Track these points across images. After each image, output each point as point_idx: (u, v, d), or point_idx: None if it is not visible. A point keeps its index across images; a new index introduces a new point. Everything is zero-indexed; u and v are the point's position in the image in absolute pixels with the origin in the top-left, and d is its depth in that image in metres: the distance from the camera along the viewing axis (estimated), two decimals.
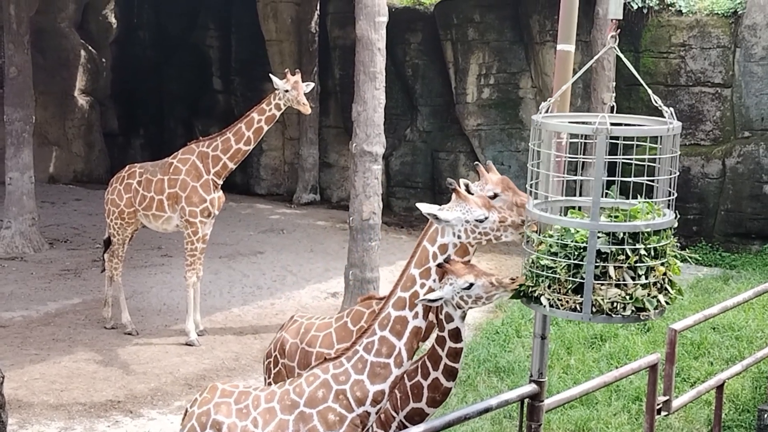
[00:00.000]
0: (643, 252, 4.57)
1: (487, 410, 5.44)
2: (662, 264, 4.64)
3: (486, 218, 5.10)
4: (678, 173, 4.81)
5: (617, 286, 4.60)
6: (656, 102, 4.95)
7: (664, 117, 4.84)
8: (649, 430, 6.39)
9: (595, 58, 5.62)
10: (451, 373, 5.50)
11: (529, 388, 5.50)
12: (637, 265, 4.57)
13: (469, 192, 5.74)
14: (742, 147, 15.39)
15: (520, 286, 4.91)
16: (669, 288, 4.72)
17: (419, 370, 5.58)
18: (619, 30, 5.28)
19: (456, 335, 5.36)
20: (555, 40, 6.32)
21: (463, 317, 5.31)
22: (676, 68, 15.88)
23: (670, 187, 4.78)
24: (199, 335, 11.42)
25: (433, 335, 5.56)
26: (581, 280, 4.59)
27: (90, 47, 22.24)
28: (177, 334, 11.54)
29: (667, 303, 4.70)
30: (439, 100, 18.74)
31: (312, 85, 11.41)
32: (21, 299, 12.78)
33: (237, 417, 5.37)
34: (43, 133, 20.80)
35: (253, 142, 11.07)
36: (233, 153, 11.03)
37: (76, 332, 11.57)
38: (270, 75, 11.41)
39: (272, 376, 6.48)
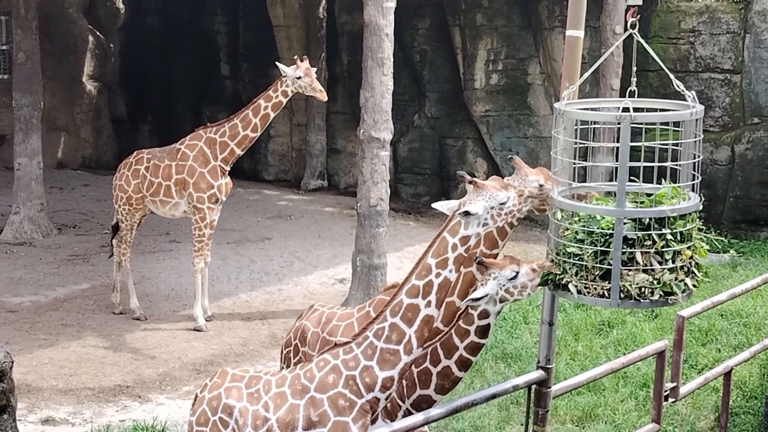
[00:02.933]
0: (669, 237, 4.56)
1: (494, 396, 5.45)
2: (688, 248, 4.63)
3: (507, 198, 5.11)
4: (701, 157, 4.79)
5: (644, 271, 4.59)
6: (678, 87, 4.94)
7: (685, 101, 4.84)
8: (657, 416, 6.39)
9: (616, 44, 5.64)
10: (465, 365, 5.48)
11: (537, 374, 5.50)
12: (664, 249, 4.57)
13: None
14: (751, 133, 15.33)
15: (548, 273, 4.93)
16: (696, 271, 4.72)
17: (428, 356, 5.56)
18: (638, 16, 5.26)
19: (484, 331, 5.33)
20: (564, 25, 6.30)
21: (498, 313, 5.30)
22: (685, 54, 15.81)
23: (694, 171, 4.76)
24: (207, 321, 11.45)
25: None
26: (608, 267, 4.59)
27: (98, 33, 22.24)
28: (185, 320, 11.57)
29: (694, 286, 4.70)
30: (447, 86, 18.68)
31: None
32: (30, 284, 12.82)
33: (248, 401, 5.39)
34: (52, 118, 20.81)
35: (260, 129, 11.07)
36: (240, 139, 11.03)
37: (85, 317, 11.62)
38: (277, 63, 11.39)
39: (292, 365, 6.41)
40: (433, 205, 5.41)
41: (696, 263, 4.72)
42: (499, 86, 17.86)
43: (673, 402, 6.78)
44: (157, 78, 22.67)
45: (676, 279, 4.62)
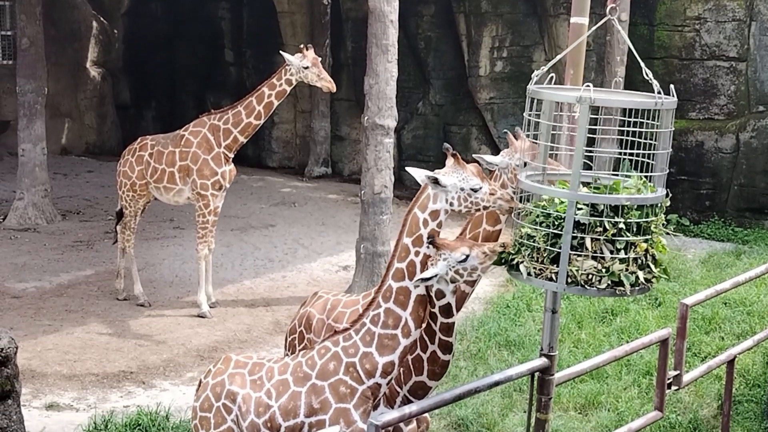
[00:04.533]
0: (622, 226, 4.53)
1: (497, 383, 5.45)
2: (645, 241, 4.58)
3: (480, 188, 5.10)
4: (670, 151, 4.74)
5: (594, 258, 4.57)
6: (647, 75, 4.89)
7: (656, 92, 4.80)
8: (660, 404, 6.39)
9: (589, 32, 5.60)
10: (446, 347, 5.51)
11: (540, 361, 5.50)
12: (615, 239, 4.54)
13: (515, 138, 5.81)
14: (756, 121, 15.28)
15: (502, 253, 4.94)
16: (651, 265, 4.64)
17: (418, 343, 5.59)
18: (619, 2, 5.22)
19: (447, 311, 5.35)
20: (569, 12, 6.30)
21: (454, 292, 5.30)
22: (690, 42, 15.76)
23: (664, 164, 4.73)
24: (211, 307, 11.47)
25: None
26: (559, 250, 4.59)
27: (102, 19, 22.22)
28: (189, 306, 11.59)
29: (647, 281, 4.62)
30: (452, 74, 18.65)
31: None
32: (34, 270, 12.85)
33: (251, 388, 5.41)
34: (56, 104, 20.81)
35: (263, 117, 11.05)
36: (244, 127, 11.02)
37: (89, 303, 11.64)
38: (281, 52, 11.35)
39: (297, 351, 6.42)
40: (408, 169, 5.42)
41: (654, 258, 4.65)
42: (503, 73, 17.82)
43: (676, 390, 6.78)
44: (161, 64, 22.65)
45: (626, 270, 4.57)
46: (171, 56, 22.66)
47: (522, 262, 4.78)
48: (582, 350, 9.72)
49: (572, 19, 5.49)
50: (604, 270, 4.56)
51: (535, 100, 4.81)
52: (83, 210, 16.43)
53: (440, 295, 5.28)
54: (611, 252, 4.56)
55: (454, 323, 5.45)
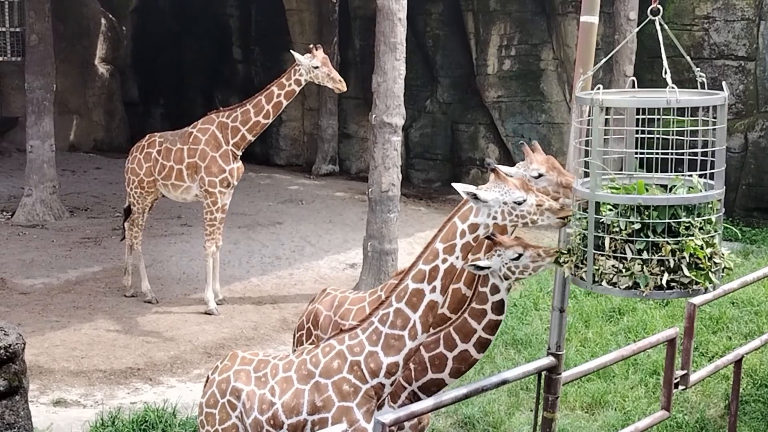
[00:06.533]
0: (637, 226, 4.52)
1: (504, 382, 5.44)
2: (676, 243, 4.53)
3: (524, 201, 5.03)
4: (716, 148, 4.64)
5: (616, 258, 4.57)
6: (699, 75, 4.89)
7: (703, 89, 4.81)
8: (666, 403, 6.38)
9: (635, 30, 5.58)
10: (483, 345, 5.48)
11: (547, 360, 5.49)
12: (634, 239, 4.53)
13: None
14: (765, 121, 15.24)
15: (560, 254, 4.99)
16: (684, 269, 4.55)
17: (441, 342, 5.54)
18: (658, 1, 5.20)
19: (500, 307, 5.35)
20: (578, 11, 6.27)
21: (508, 289, 5.32)
22: (699, 41, 15.72)
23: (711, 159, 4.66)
24: (218, 304, 11.48)
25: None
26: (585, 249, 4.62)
27: (110, 16, 22.26)
28: (196, 303, 11.61)
29: (682, 285, 4.54)
30: (460, 72, 18.63)
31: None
32: (42, 267, 12.88)
33: (255, 385, 5.41)
34: (64, 101, 20.86)
35: (272, 116, 11.05)
36: (252, 125, 11.03)
37: (97, 300, 11.66)
38: (291, 51, 11.35)
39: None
40: (453, 185, 5.39)
41: (695, 263, 4.55)
42: (511, 72, 17.80)
43: (683, 389, 6.76)
44: (169, 61, 22.68)
45: (649, 272, 4.54)
46: (179, 53, 22.69)
47: (565, 263, 4.86)
48: (589, 349, 9.70)
49: (582, 18, 5.45)
50: (624, 270, 4.55)
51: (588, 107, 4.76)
52: (91, 207, 16.47)
53: (494, 290, 5.30)
54: (633, 252, 4.54)
55: (500, 322, 5.45)
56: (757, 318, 10.26)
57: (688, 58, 5.11)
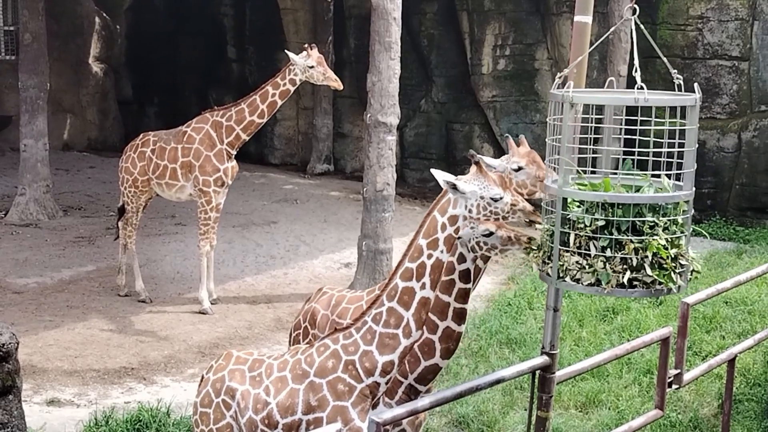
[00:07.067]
0: (600, 223, 4.52)
1: (498, 381, 5.45)
2: (640, 241, 4.53)
3: (501, 198, 5.09)
4: (686, 149, 4.66)
5: (580, 254, 4.58)
6: (675, 76, 4.88)
7: (682, 89, 4.80)
8: (660, 402, 6.39)
9: (612, 29, 5.58)
10: (461, 316, 5.51)
11: (541, 359, 5.50)
12: (598, 236, 4.53)
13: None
14: (758, 121, 15.28)
15: (528, 246, 4.99)
16: (647, 268, 4.51)
17: (425, 328, 5.56)
18: (635, 1, 5.20)
19: (467, 276, 5.37)
20: (572, 11, 6.28)
21: (474, 260, 5.33)
22: (693, 41, 15.75)
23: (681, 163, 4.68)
24: (212, 304, 11.48)
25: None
26: (559, 246, 4.63)
27: (104, 14, 22.22)
28: (190, 303, 11.60)
29: (644, 284, 4.50)
30: (454, 71, 18.65)
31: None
32: (35, 266, 12.86)
33: (250, 384, 5.41)
34: (58, 100, 20.83)
35: (266, 116, 11.05)
36: (246, 124, 11.03)
37: (90, 299, 11.65)
38: (286, 51, 11.34)
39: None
40: (432, 171, 5.42)
41: (659, 262, 4.54)
42: (506, 71, 17.82)
43: (676, 388, 6.78)
44: (163, 60, 22.66)
45: (611, 269, 4.55)
46: (173, 52, 22.67)
47: (534, 258, 4.87)
48: (583, 348, 9.72)
49: (576, 18, 5.46)
50: (587, 266, 4.56)
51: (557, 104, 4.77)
52: (85, 206, 16.44)
53: (461, 259, 5.31)
54: (596, 249, 4.55)
55: (470, 290, 5.46)
56: (750, 317, 10.29)
57: (664, 59, 5.09)
